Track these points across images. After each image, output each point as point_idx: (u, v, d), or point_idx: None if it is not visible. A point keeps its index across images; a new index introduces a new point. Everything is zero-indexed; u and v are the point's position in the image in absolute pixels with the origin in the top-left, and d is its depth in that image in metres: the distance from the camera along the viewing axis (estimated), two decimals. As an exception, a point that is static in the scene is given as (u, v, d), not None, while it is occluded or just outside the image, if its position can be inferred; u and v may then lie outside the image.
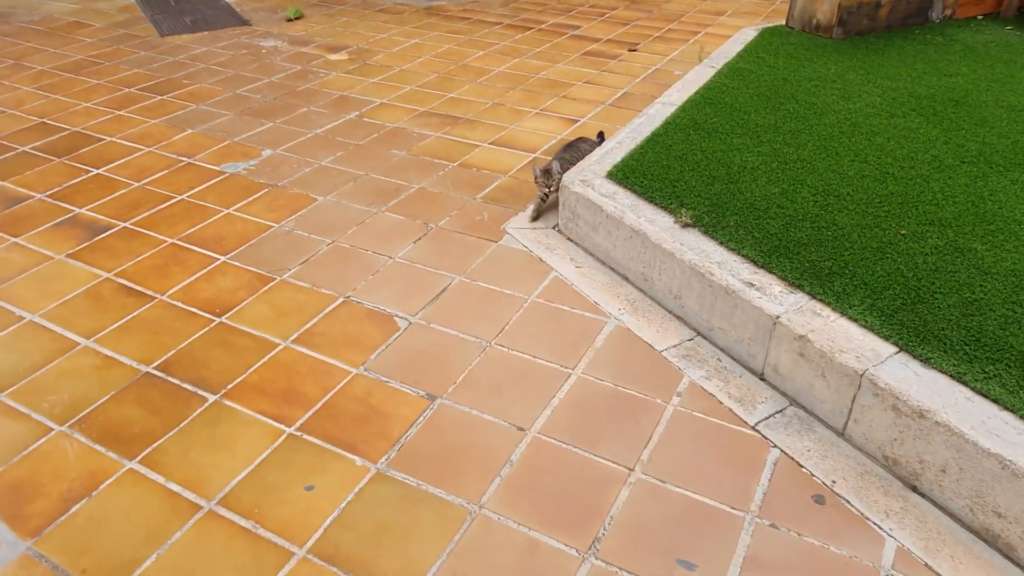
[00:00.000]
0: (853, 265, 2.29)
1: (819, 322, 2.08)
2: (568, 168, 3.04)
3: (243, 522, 1.81)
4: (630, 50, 5.07)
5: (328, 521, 1.81)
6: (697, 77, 3.95)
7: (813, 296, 2.18)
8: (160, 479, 1.93)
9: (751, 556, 1.71)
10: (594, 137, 3.36)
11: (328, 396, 2.18)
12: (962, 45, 4.56)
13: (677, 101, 3.59)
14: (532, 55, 5.00)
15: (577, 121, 3.95)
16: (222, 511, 1.84)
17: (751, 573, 1.67)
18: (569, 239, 2.91)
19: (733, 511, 1.82)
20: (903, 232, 2.46)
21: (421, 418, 2.09)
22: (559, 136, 3.77)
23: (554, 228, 3.00)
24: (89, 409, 2.14)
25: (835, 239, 2.42)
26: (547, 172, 3.00)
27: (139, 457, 1.99)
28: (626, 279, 2.67)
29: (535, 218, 3.08)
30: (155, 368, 2.29)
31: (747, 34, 4.78)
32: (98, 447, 2.02)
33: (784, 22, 4.73)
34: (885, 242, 2.41)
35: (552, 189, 3.00)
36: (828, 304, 2.14)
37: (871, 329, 2.04)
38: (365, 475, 1.93)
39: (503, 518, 1.81)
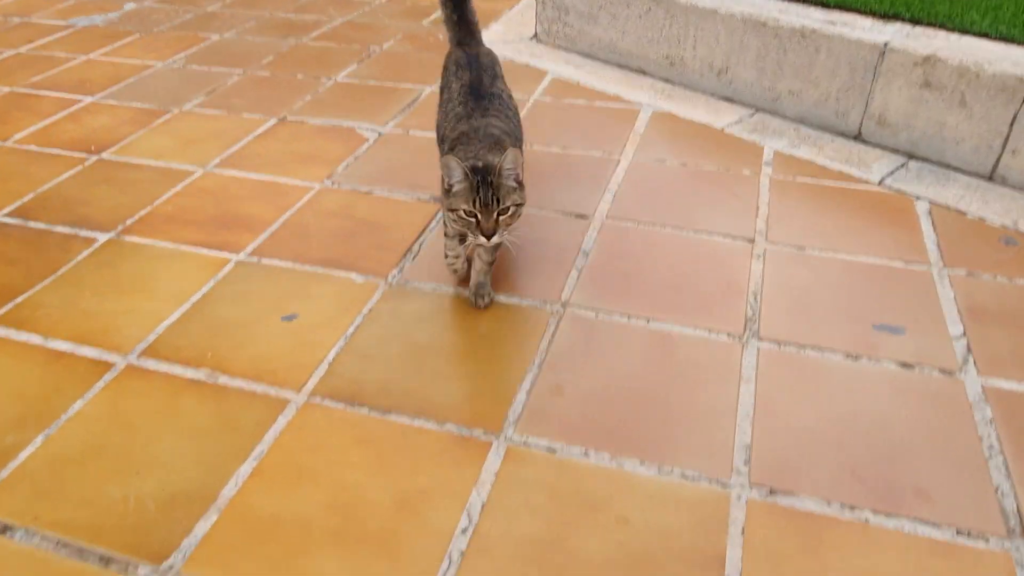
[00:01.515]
0: (943, -5, 1.82)
1: (940, 42, 1.59)
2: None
3: (191, 372, 1.11)
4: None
5: (332, 353, 1.14)
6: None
7: (916, 23, 1.69)
8: (35, 339, 1.18)
9: (969, 307, 1.19)
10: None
11: (288, 214, 1.47)
12: None
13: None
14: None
15: (515, -39, 3.31)
16: (150, 364, 1.12)
17: (980, 325, 1.16)
18: (557, 47, 2.30)
19: (912, 266, 1.30)
20: (974, -29, 2.02)
21: (435, 222, 1.44)
22: (500, -28, 3.12)
23: (532, 39, 2.37)
24: (-103, 271, 1.34)
25: (903, -19, 1.94)
26: (483, 170, 1.08)
27: (-7, 317, 1.23)
28: (643, 72, 2.09)
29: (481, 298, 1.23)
30: (6, 216, 1.50)
31: None
32: (-82, 316, 1.24)
33: None
34: (960, -20, 1.95)
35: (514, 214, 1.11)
36: (941, 27, 1.65)
37: (1012, 40, 1.57)
38: (373, 292, 1.26)
39: (603, 313, 1.20)
